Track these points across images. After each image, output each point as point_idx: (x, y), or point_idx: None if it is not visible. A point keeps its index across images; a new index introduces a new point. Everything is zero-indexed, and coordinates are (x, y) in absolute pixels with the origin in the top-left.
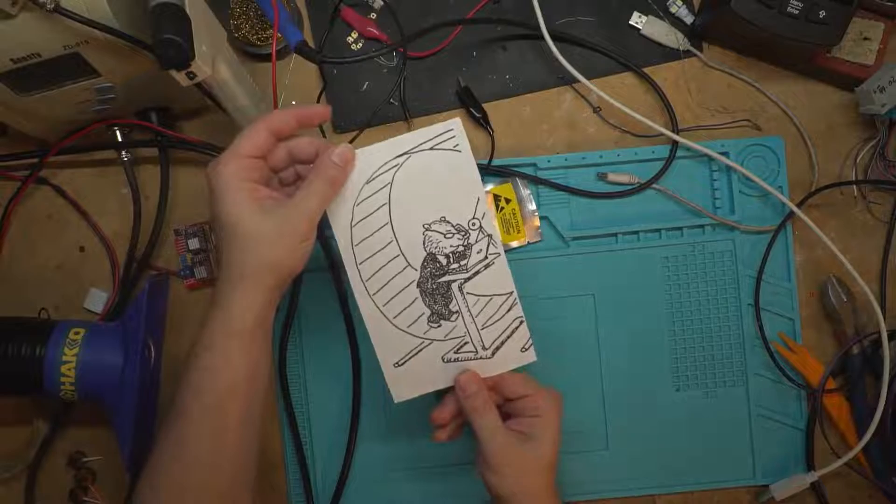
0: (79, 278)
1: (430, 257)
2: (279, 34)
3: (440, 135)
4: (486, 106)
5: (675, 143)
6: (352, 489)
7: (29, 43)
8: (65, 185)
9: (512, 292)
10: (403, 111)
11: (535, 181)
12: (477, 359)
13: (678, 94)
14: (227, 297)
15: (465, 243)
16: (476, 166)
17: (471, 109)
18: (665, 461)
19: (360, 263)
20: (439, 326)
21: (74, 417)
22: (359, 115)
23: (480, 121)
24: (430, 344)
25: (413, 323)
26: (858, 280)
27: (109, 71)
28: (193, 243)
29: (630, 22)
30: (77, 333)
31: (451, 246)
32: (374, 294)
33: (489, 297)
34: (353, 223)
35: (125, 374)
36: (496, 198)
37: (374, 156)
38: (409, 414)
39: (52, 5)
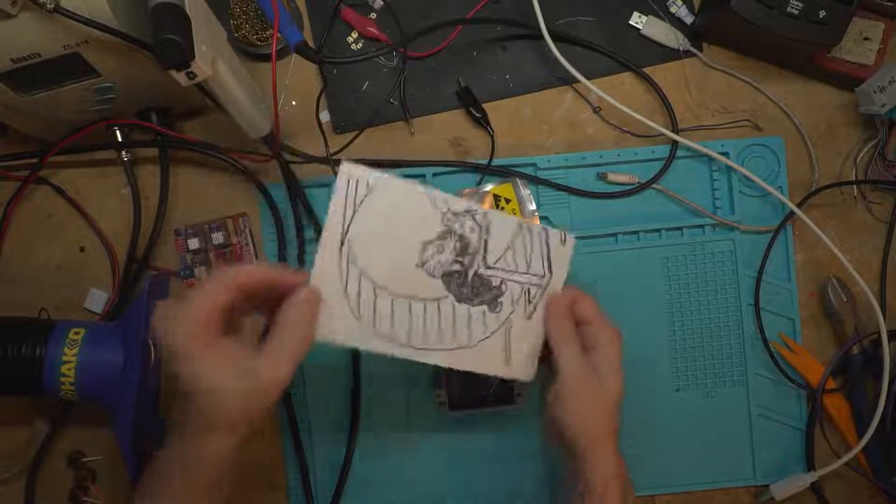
0: (79, 278)
1: (446, 276)
2: (279, 34)
3: (348, 191)
4: (486, 106)
5: (675, 143)
6: (352, 489)
7: (29, 43)
8: (65, 185)
9: (520, 224)
10: (403, 111)
11: (535, 181)
12: (544, 288)
13: (678, 94)
14: (194, 448)
15: (457, 237)
16: (397, 179)
17: (471, 109)
18: (665, 461)
19: (408, 344)
20: (499, 306)
21: (74, 417)
22: (359, 116)
23: (480, 121)
24: (510, 324)
25: (484, 328)
26: (858, 280)
27: (109, 71)
28: (193, 243)
29: (630, 22)
30: (77, 333)
31: (450, 253)
32: (443, 344)
33: (509, 248)
34: (358, 316)
35: (125, 374)
36: (496, 198)
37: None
38: (410, 414)
39: (52, 5)
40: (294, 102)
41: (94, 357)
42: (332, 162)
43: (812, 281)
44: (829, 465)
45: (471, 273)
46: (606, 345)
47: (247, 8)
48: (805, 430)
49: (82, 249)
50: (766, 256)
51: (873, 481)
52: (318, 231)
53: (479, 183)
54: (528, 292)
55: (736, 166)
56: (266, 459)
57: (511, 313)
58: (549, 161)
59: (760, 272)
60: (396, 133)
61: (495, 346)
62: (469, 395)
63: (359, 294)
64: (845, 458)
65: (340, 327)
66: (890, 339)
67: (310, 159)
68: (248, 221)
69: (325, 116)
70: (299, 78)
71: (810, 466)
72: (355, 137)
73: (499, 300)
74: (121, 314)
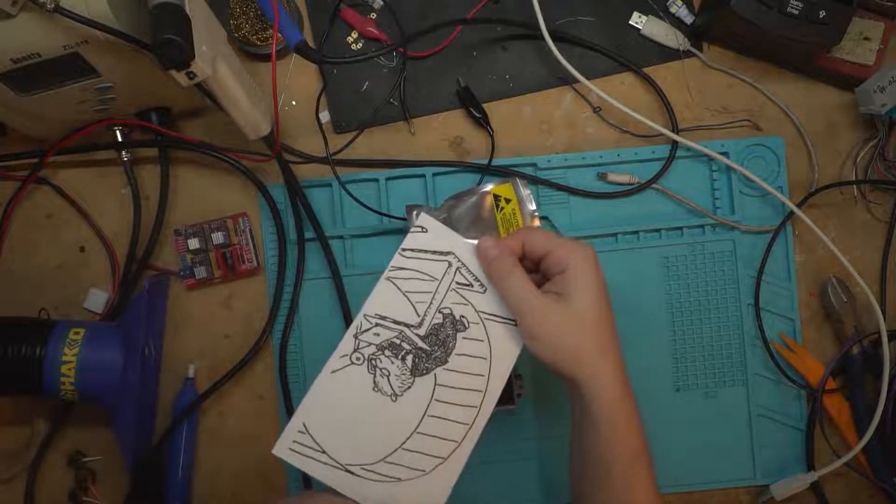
0: (79, 278)
1: (414, 370)
2: (279, 34)
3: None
4: (486, 106)
5: (675, 143)
6: None
7: (29, 43)
8: (65, 185)
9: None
10: (403, 111)
11: (535, 181)
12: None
13: (678, 94)
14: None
15: (379, 350)
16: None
17: (471, 109)
18: (665, 461)
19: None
20: (462, 325)
21: (74, 417)
22: (359, 115)
23: (480, 121)
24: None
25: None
26: (858, 280)
27: (109, 71)
28: (193, 243)
29: (630, 22)
30: (77, 333)
31: (392, 361)
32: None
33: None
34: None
35: (125, 374)
36: (496, 198)
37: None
38: None
39: (52, 5)
40: (294, 102)
41: (94, 357)
42: (333, 162)
43: (812, 281)
44: (829, 465)
45: (419, 344)
46: (572, 265)
47: (247, 8)
48: (805, 430)
49: (82, 249)
50: (766, 256)
51: (873, 481)
52: (319, 231)
53: (479, 183)
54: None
55: (736, 166)
56: (266, 459)
57: (484, 321)
58: (549, 161)
59: (760, 272)
60: (396, 133)
61: (506, 334)
62: None
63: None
64: (845, 458)
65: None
66: (890, 339)
67: (310, 159)
68: (248, 221)
69: (325, 116)
70: (299, 78)
71: (810, 466)
72: (355, 137)
73: (457, 320)
74: (121, 314)
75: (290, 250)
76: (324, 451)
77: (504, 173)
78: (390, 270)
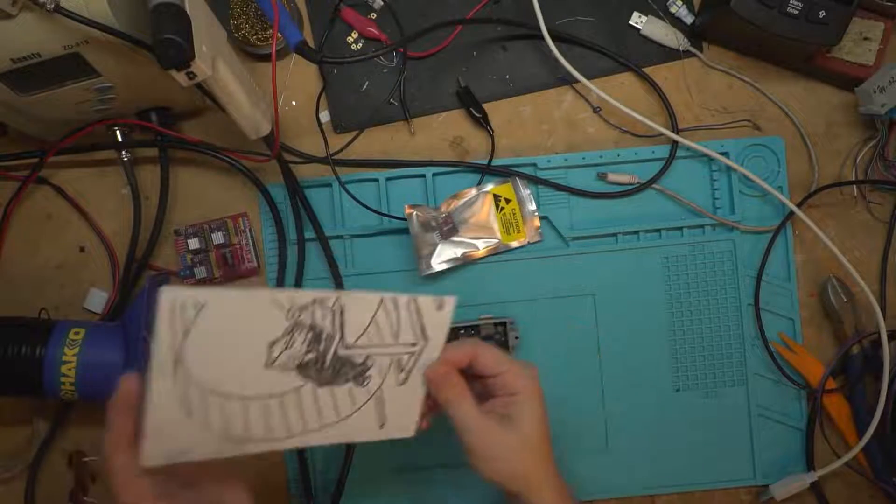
0: (79, 278)
1: (302, 367)
2: (279, 34)
3: (173, 315)
4: (486, 106)
5: (675, 143)
6: (352, 489)
7: (29, 43)
8: (65, 185)
9: (382, 299)
10: (403, 111)
11: (535, 181)
12: (418, 354)
13: (678, 94)
14: None
15: (307, 328)
16: (230, 291)
17: (471, 109)
18: (665, 461)
19: (269, 437)
20: (367, 380)
21: (74, 417)
22: (359, 115)
23: (480, 121)
24: (381, 394)
25: (352, 403)
26: (858, 280)
27: (109, 71)
28: (193, 243)
29: (630, 22)
30: (77, 333)
31: (301, 345)
32: (308, 427)
33: (371, 324)
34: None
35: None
36: (496, 198)
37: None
38: None
39: (52, 5)
40: (294, 102)
41: (94, 357)
42: (333, 162)
43: (812, 281)
44: (829, 465)
45: (329, 357)
46: (519, 390)
47: (247, 8)
48: (805, 430)
49: (82, 249)
50: (766, 256)
51: (873, 481)
52: (319, 231)
53: (479, 183)
54: (399, 361)
55: (736, 166)
56: (266, 459)
57: (381, 384)
58: (549, 161)
59: (760, 272)
60: (396, 133)
61: (367, 416)
62: None
63: (205, 408)
64: (845, 458)
65: (189, 442)
66: (890, 339)
67: (310, 159)
68: (248, 221)
69: (325, 116)
70: (299, 78)
71: (810, 466)
72: (355, 137)
73: (366, 374)
74: (121, 314)
75: (290, 250)
76: (185, 336)
77: (504, 173)
78: (390, 296)
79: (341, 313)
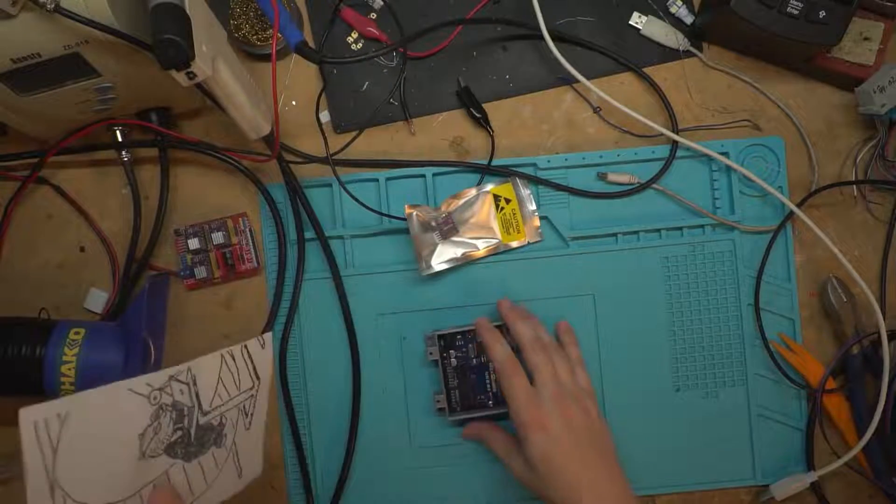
0: (79, 278)
1: (169, 448)
2: (279, 34)
3: (38, 436)
4: (486, 106)
5: (675, 143)
6: (352, 489)
7: (29, 43)
8: (65, 185)
9: (222, 355)
10: (403, 111)
11: (535, 181)
12: (256, 395)
13: (678, 94)
14: None
15: (170, 407)
16: (90, 392)
17: (471, 109)
18: (665, 461)
19: None
20: (223, 438)
21: None
22: (359, 115)
23: (480, 121)
24: (235, 447)
25: (216, 467)
26: (858, 280)
27: (109, 71)
28: (193, 243)
29: (630, 22)
30: (77, 333)
31: (168, 427)
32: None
33: (218, 383)
34: None
35: (125, 374)
36: (496, 198)
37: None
38: (409, 414)
39: (52, 5)
40: (294, 102)
41: (94, 357)
42: (333, 162)
43: (812, 281)
44: (829, 465)
45: (193, 430)
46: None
47: (247, 8)
48: (805, 430)
49: (82, 249)
50: (766, 256)
51: (873, 481)
52: (319, 231)
53: (479, 183)
54: (244, 407)
55: (736, 166)
56: (266, 460)
57: (234, 436)
58: (549, 161)
59: (760, 272)
60: (396, 133)
61: (230, 472)
62: (468, 399)
63: None
64: (845, 458)
65: None
66: (890, 339)
67: (310, 159)
68: (248, 221)
69: (325, 116)
70: (299, 78)
71: (810, 466)
72: (355, 137)
73: (223, 433)
74: (121, 314)
75: (290, 250)
76: (54, 453)
77: (504, 173)
78: (227, 350)
79: (194, 383)
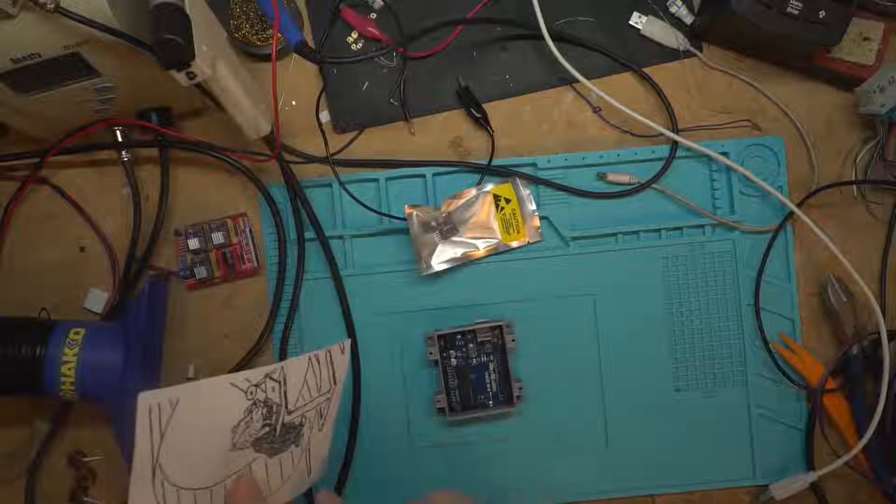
0: (79, 278)
1: (256, 442)
2: (279, 34)
3: (151, 419)
4: (486, 106)
5: (675, 143)
6: (352, 489)
7: (29, 43)
8: (65, 185)
9: (309, 358)
10: (403, 111)
11: (535, 181)
12: (331, 397)
13: (678, 94)
14: None
15: (262, 403)
16: (202, 382)
17: (471, 109)
18: (665, 461)
19: None
20: (302, 437)
21: (74, 417)
22: (359, 116)
23: (480, 121)
24: (308, 445)
25: (292, 465)
26: (858, 280)
27: (109, 71)
28: (193, 243)
29: (630, 22)
30: (77, 333)
31: (258, 422)
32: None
33: (303, 385)
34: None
35: (125, 374)
36: (496, 198)
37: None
38: (409, 414)
39: (53, 5)
40: (294, 102)
41: (94, 357)
42: (333, 162)
43: (812, 281)
44: (829, 465)
45: (279, 427)
46: None
47: (247, 8)
48: (805, 430)
49: (82, 249)
50: (766, 256)
51: (873, 481)
52: (319, 231)
53: (479, 183)
54: (321, 410)
55: (736, 166)
56: None
57: (310, 436)
58: (549, 161)
59: (760, 272)
60: (396, 133)
61: (302, 470)
62: (468, 399)
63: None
64: (845, 458)
65: None
66: (890, 339)
67: (310, 159)
68: (248, 221)
69: (325, 116)
70: (299, 78)
71: (810, 466)
72: (355, 137)
73: (301, 433)
74: (121, 314)
75: (290, 250)
76: (162, 437)
77: (504, 173)
78: (314, 354)
79: (284, 381)
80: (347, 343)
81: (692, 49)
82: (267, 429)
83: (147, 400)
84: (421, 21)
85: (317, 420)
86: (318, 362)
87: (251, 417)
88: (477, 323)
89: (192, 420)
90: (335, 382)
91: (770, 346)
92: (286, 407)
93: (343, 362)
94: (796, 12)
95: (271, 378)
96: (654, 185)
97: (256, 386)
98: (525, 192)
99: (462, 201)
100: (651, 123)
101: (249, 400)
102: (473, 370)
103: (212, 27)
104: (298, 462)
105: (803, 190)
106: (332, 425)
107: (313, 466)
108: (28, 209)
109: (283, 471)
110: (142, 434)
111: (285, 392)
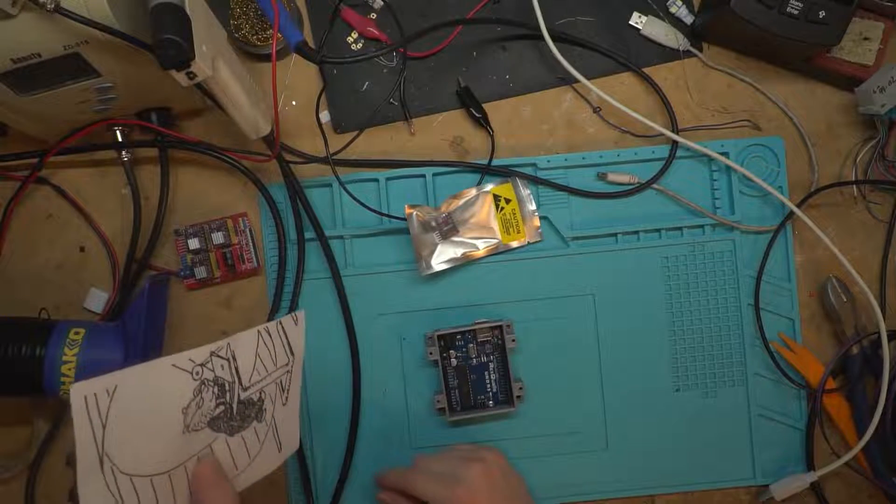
0: (79, 278)
1: (213, 422)
2: (279, 34)
3: (88, 410)
4: (486, 106)
5: (675, 143)
6: (352, 489)
7: (29, 43)
8: (65, 185)
9: (258, 332)
10: (403, 111)
11: (535, 181)
12: (291, 370)
13: (678, 94)
14: None
15: (212, 382)
16: (136, 367)
17: (471, 109)
18: (665, 461)
19: None
20: (264, 413)
21: None
22: (359, 116)
23: (480, 121)
24: (274, 421)
25: (258, 441)
26: (858, 280)
27: (109, 71)
28: (193, 243)
29: (630, 22)
30: (77, 333)
31: (210, 401)
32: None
33: (256, 358)
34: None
35: None
36: (496, 198)
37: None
38: (409, 414)
39: (53, 5)
40: (294, 102)
41: (94, 357)
42: (333, 162)
43: (812, 281)
44: (829, 465)
45: (235, 405)
46: None
47: (247, 8)
48: (805, 430)
49: (82, 249)
50: (766, 256)
51: (873, 481)
52: (319, 231)
53: (479, 183)
54: (281, 383)
55: (736, 166)
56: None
57: (273, 410)
58: (549, 161)
59: (760, 272)
60: (396, 133)
61: (269, 446)
62: (468, 399)
63: (136, 493)
64: (845, 458)
65: None
66: (890, 339)
67: (310, 159)
68: (248, 221)
69: (325, 116)
70: (299, 78)
71: (810, 466)
72: (355, 137)
73: (263, 408)
74: (121, 314)
75: (290, 250)
76: (103, 427)
77: (504, 173)
78: (263, 326)
79: (234, 358)
80: (301, 314)
81: (692, 49)
82: (222, 407)
83: (81, 391)
84: (421, 21)
85: (278, 394)
86: (269, 335)
87: (201, 398)
88: (477, 323)
89: (135, 405)
90: (292, 353)
91: (770, 346)
92: (240, 383)
93: (298, 333)
94: (796, 12)
95: (218, 356)
96: (654, 185)
97: (202, 365)
98: (525, 192)
99: (462, 201)
100: (651, 123)
101: (196, 380)
102: (473, 370)
103: (212, 27)
104: (265, 437)
105: (803, 190)
106: (298, 397)
107: (283, 441)
108: (28, 209)
109: (248, 449)
110: (81, 427)
111: (237, 368)
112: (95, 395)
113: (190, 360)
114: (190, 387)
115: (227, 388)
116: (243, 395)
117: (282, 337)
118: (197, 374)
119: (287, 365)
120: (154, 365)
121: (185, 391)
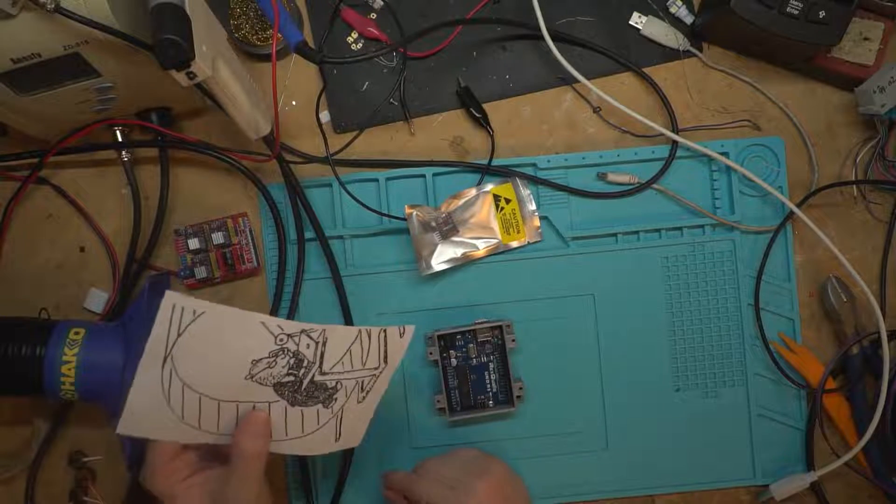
0: (79, 278)
1: (278, 386)
2: (279, 34)
3: (172, 317)
4: (486, 106)
5: (675, 143)
6: (352, 489)
7: (29, 43)
8: (65, 185)
9: (360, 331)
10: (403, 111)
11: (535, 181)
12: (378, 375)
13: (678, 94)
14: None
15: (291, 353)
16: (227, 308)
17: (471, 109)
18: (665, 461)
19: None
20: (333, 402)
21: (74, 417)
22: (359, 115)
23: (480, 121)
24: (341, 412)
25: (317, 422)
26: (858, 280)
27: (109, 71)
28: (193, 243)
29: (630, 22)
30: (77, 333)
31: (282, 368)
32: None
33: (346, 354)
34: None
35: (125, 374)
36: (496, 198)
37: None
38: (409, 414)
39: (53, 5)
40: (294, 102)
41: (94, 357)
42: (333, 162)
43: (812, 281)
44: (829, 465)
45: (305, 381)
46: None
47: (247, 8)
48: (805, 430)
49: (82, 249)
50: (765, 256)
51: (873, 481)
52: (319, 231)
53: (479, 183)
54: (363, 382)
55: (736, 166)
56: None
57: (344, 404)
58: (549, 161)
59: (760, 272)
60: (396, 133)
61: (327, 432)
62: (468, 399)
63: (182, 401)
64: (845, 458)
65: (164, 428)
66: (890, 339)
67: (310, 159)
68: (248, 221)
69: (325, 116)
70: (299, 78)
71: (810, 466)
72: (355, 137)
73: (334, 397)
74: (121, 314)
75: (290, 250)
76: (178, 335)
77: (504, 173)
78: (366, 329)
79: (324, 344)
80: (410, 329)
81: (692, 49)
82: (291, 378)
83: (172, 299)
84: (421, 21)
85: (356, 391)
86: (369, 338)
87: (275, 361)
88: (477, 323)
89: (211, 335)
90: (385, 361)
91: (770, 346)
92: (320, 367)
93: (400, 345)
94: (796, 12)
95: (308, 335)
96: (654, 185)
97: (289, 336)
98: (525, 192)
99: (462, 201)
100: (651, 123)
101: (278, 346)
102: (473, 370)
103: (212, 27)
104: (324, 424)
105: (803, 190)
106: (376, 402)
107: (344, 434)
108: (28, 209)
109: (304, 424)
110: (160, 324)
111: (322, 353)
112: (183, 308)
113: (279, 326)
114: (267, 348)
115: (304, 364)
116: (318, 378)
117: (381, 344)
118: (281, 340)
119: (376, 369)
120: (244, 315)
121: (261, 349)
